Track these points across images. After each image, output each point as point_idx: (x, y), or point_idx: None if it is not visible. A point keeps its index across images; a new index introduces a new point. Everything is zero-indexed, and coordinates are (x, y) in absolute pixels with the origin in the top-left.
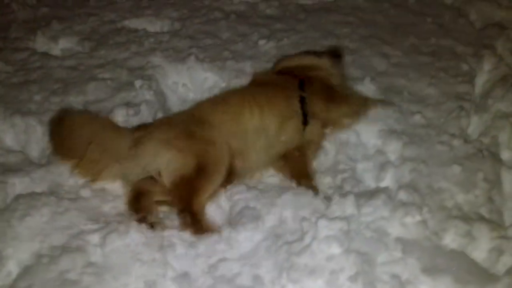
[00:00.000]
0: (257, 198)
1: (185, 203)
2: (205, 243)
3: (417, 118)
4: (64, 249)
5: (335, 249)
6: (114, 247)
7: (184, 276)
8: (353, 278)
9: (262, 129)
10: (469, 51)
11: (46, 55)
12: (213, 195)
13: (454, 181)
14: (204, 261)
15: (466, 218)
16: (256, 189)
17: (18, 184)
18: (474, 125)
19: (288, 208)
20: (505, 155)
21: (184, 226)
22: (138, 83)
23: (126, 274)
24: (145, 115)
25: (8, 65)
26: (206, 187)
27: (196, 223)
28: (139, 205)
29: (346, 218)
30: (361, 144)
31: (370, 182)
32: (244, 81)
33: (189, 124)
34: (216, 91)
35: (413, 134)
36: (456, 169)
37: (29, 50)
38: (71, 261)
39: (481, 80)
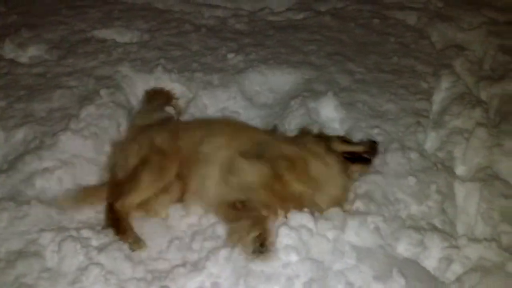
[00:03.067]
0: None
1: (111, 200)
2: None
3: (376, 131)
4: (21, 254)
5: (293, 257)
6: (69, 253)
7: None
8: (307, 285)
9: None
10: (428, 70)
11: (13, 62)
12: (149, 207)
13: (409, 193)
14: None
15: (419, 228)
16: None
17: None
18: (431, 140)
19: None
20: (459, 169)
21: (106, 222)
22: (103, 91)
23: (81, 279)
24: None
25: None
26: (133, 192)
27: (115, 223)
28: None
29: (304, 227)
30: None
31: None
32: (210, 93)
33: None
34: (183, 101)
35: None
36: (412, 181)
37: None
38: (28, 266)
39: (439, 98)
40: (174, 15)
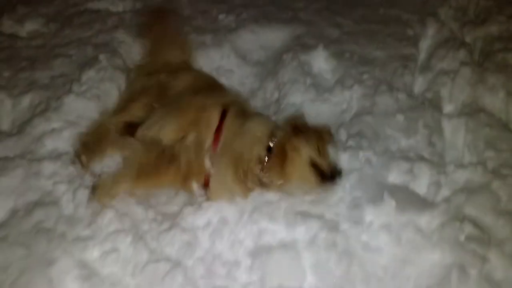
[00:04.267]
0: None
1: None
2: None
3: (366, 76)
4: (38, 204)
5: None
6: (83, 200)
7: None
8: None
9: None
10: (414, 18)
11: (13, 36)
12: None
13: (397, 129)
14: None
15: (408, 158)
16: None
17: None
18: (419, 84)
19: None
20: (446, 108)
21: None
22: (102, 57)
23: (97, 221)
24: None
25: None
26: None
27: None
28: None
29: None
30: None
31: None
32: (204, 53)
33: None
34: None
35: (361, 90)
36: (400, 117)
37: None
38: (45, 213)
39: (425, 44)
40: None
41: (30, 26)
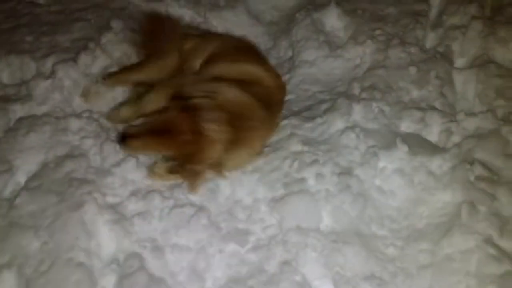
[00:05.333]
0: None
1: None
2: None
3: (378, 32)
4: (68, 157)
5: None
6: (110, 153)
7: None
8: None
9: None
10: None
11: (32, 3)
12: None
13: (410, 81)
14: None
15: (420, 108)
16: None
17: (19, 110)
18: (430, 39)
19: None
20: (458, 61)
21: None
22: (117, 21)
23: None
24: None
25: None
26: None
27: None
28: None
29: None
30: None
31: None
32: (217, 14)
33: None
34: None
35: (374, 45)
36: (412, 70)
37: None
38: (75, 164)
39: (436, 1)
40: None
41: None
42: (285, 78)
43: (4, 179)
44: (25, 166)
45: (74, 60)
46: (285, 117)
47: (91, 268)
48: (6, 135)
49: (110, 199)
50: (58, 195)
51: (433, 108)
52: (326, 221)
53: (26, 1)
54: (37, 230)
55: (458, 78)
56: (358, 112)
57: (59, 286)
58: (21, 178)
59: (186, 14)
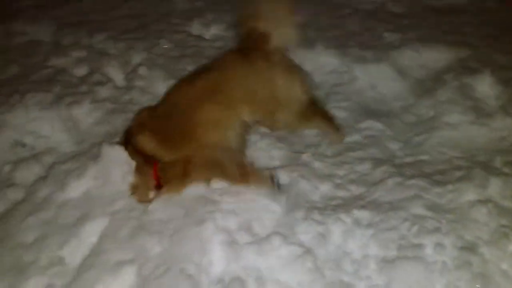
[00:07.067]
0: None
1: None
2: None
3: None
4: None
5: None
6: None
7: None
8: None
9: None
10: None
11: (199, 37)
12: None
13: None
14: None
15: None
16: None
17: None
18: None
19: None
20: None
21: None
22: None
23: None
24: None
25: (169, 42)
26: None
27: None
28: None
29: None
30: None
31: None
32: (363, 68)
33: None
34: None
35: None
36: None
37: (186, 32)
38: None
39: None
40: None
41: (214, 30)
42: (421, 137)
43: None
44: None
45: None
46: (413, 177)
47: (198, 282)
48: None
49: (229, 223)
50: (185, 209)
51: None
52: None
53: (194, 35)
54: (161, 237)
55: None
56: (495, 187)
57: None
58: None
59: (332, 63)
